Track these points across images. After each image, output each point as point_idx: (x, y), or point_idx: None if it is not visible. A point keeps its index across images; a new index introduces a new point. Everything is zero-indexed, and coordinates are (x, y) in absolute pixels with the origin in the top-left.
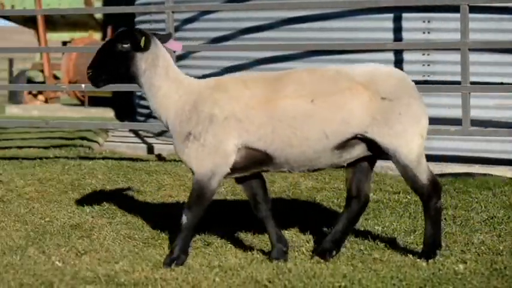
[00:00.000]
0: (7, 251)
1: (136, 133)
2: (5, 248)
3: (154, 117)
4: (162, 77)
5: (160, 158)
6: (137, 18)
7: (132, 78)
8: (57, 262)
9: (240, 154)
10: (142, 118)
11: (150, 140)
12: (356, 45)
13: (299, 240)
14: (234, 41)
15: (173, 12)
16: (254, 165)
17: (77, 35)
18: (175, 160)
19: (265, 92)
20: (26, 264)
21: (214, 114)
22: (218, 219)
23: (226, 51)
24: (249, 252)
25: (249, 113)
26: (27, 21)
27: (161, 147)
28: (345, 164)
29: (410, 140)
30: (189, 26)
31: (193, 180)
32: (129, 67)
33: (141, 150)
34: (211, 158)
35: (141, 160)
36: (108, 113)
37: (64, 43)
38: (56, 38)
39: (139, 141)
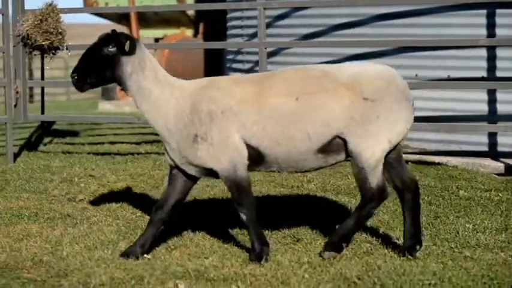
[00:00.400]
0: (99, 245)
1: None
2: (96, 242)
3: None
4: (151, 80)
5: None
6: (229, 15)
7: (118, 81)
8: (147, 257)
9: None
10: None
11: None
12: (448, 41)
13: (388, 237)
14: (326, 38)
15: (265, 8)
16: (250, 163)
17: (170, 31)
18: None
19: (255, 89)
20: (117, 258)
21: (212, 111)
22: (308, 216)
23: (317, 47)
24: None
25: (243, 107)
26: (121, 18)
27: None
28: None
29: (376, 144)
30: (281, 22)
31: (223, 179)
32: (115, 71)
33: None
34: (225, 153)
35: None
36: None
37: (156, 40)
38: (148, 34)
39: None
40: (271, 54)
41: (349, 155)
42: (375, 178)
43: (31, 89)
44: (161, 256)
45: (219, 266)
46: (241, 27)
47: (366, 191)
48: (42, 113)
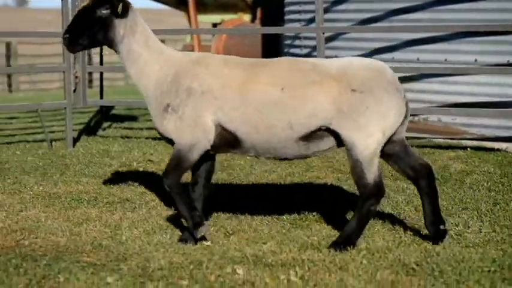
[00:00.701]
0: (157, 229)
1: None
2: (155, 226)
3: None
4: (141, 44)
5: None
6: (286, 0)
7: (110, 44)
8: (206, 243)
9: (215, 132)
10: None
11: None
12: (505, 26)
13: (447, 224)
14: (382, 23)
15: None
16: (224, 145)
17: (227, 17)
18: None
19: (242, 75)
20: (176, 243)
21: (192, 88)
22: None
23: (375, 32)
24: (397, 235)
25: (224, 91)
26: (180, 3)
27: None
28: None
29: (369, 135)
30: (338, 7)
31: (174, 150)
32: (107, 33)
33: None
34: (191, 130)
35: None
36: None
37: (214, 25)
38: (206, 20)
39: None
40: (328, 39)
41: (337, 145)
42: (371, 173)
43: (90, 74)
44: (219, 241)
45: (277, 251)
46: (298, 12)
47: (363, 187)
48: (101, 97)
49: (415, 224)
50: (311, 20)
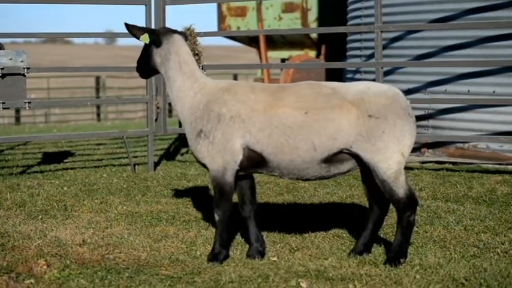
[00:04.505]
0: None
1: None
2: None
3: None
4: (175, 70)
5: None
6: (349, 38)
7: (156, 71)
8: (272, 257)
9: (242, 154)
10: None
11: None
12: None
13: (494, 242)
14: (437, 58)
15: (382, 31)
16: (251, 166)
17: (294, 53)
18: None
19: (268, 99)
20: (245, 258)
21: (222, 114)
22: (420, 221)
23: (429, 67)
24: (447, 252)
25: (251, 115)
26: (251, 41)
27: None
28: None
29: (389, 156)
30: (396, 44)
31: (211, 178)
32: (149, 61)
33: None
34: (221, 155)
35: None
36: None
37: (283, 60)
38: (275, 55)
39: None
40: (386, 73)
41: (354, 168)
42: (401, 188)
43: (170, 104)
44: (285, 257)
45: (337, 266)
46: (359, 48)
47: (396, 202)
48: (180, 126)
49: (464, 242)
50: (371, 56)
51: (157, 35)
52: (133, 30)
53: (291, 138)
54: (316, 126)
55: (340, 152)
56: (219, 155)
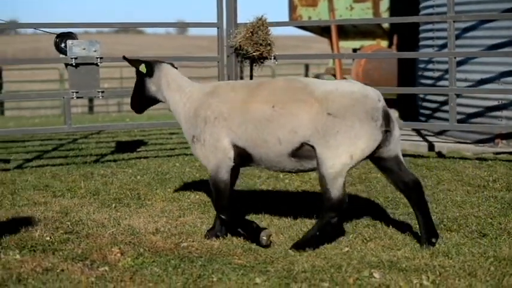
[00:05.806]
0: (301, 236)
1: (418, 132)
2: (299, 232)
3: (435, 118)
4: (166, 90)
5: (440, 155)
6: (421, 27)
7: (154, 98)
8: (345, 247)
9: (233, 151)
10: (423, 118)
11: (430, 138)
12: None
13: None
14: (510, 48)
15: (454, 21)
16: (243, 160)
17: (366, 43)
18: (453, 157)
19: (245, 96)
20: (318, 248)
21: (207, 116)
22: (493, 213)
23: (501, 57)
24: None
25: (231, 112)
26: (323, 31)
27: (441, 145)
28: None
29: (337, 156)
30: (468, 34)
31: (209, 178)
32: (144, 92)
33: (422, 147)
34: (214, 154)
35: (422, 157)
36: (393, 113)
37: (354, 50)
38: (347, 45)
39: (420, 139)
40: (459, 63)
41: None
42: (336, 190)
43: None
44: (358, 247)
45: (410, 257)
46: (432, 38)
47: (326, 200)
48: None
49: None
50: (443, 46)
51: (151, 65)
52: (131, 61)
53: (260, 131)
54: (282, 120)
55: (302, 145)
56: (212, 155)
